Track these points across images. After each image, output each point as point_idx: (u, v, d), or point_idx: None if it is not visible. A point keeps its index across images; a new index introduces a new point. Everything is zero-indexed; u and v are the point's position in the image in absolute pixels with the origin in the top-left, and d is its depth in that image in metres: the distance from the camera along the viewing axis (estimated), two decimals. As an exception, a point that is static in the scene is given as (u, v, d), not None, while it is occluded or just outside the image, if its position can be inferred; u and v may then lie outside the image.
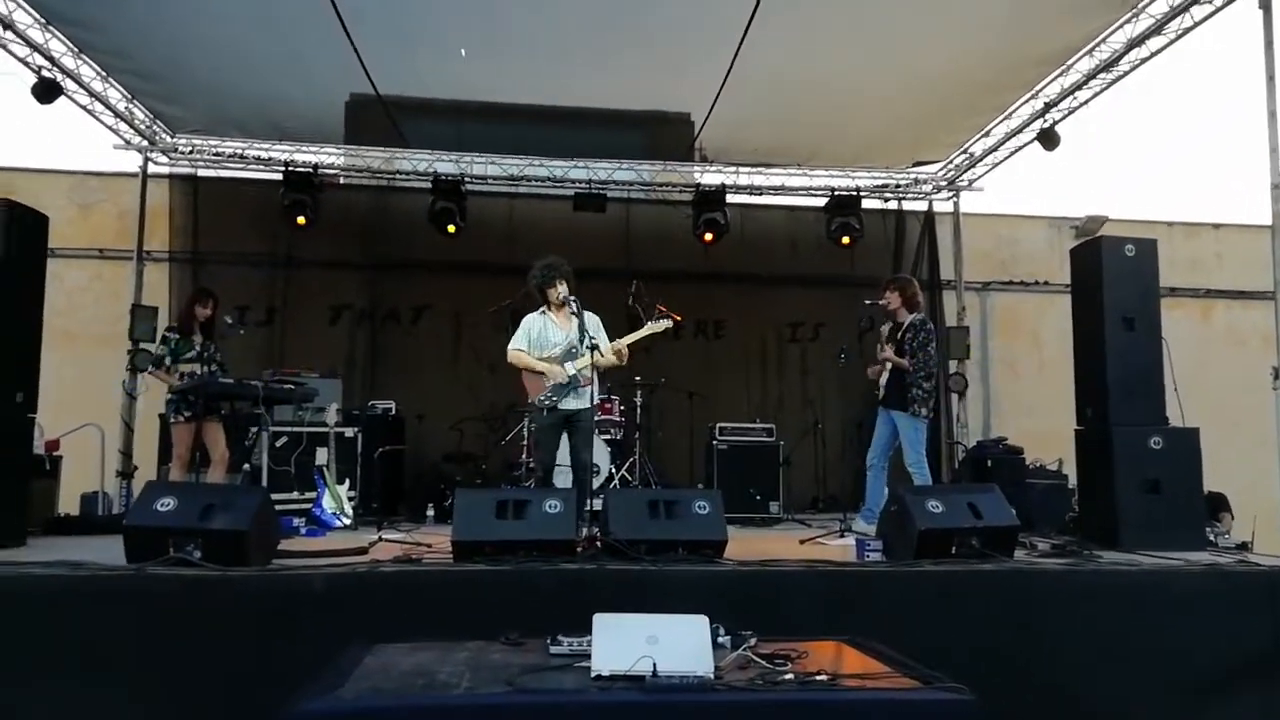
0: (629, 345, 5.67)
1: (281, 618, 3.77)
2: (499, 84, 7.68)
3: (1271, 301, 5.70)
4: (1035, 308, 10.51)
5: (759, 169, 9.39)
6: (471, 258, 9.16)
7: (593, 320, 5.66)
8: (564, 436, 5.72)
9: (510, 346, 5.75)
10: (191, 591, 3.76)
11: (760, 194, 9.67)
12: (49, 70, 7.25)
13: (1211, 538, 5.63)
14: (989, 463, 7.43)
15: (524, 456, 7.39)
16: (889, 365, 6.16)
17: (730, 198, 9.29)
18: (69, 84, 7.51)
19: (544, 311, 5.77)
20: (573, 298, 5.57)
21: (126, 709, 3.60)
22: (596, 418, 6.54)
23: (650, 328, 5.76)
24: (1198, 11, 6.44)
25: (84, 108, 7.89)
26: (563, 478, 6.01)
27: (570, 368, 5.56)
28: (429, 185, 9.00)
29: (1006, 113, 8.30)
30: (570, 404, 5.60)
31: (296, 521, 5.98)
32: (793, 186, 9.63)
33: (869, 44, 6.94)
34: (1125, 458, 5.43)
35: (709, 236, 9.12)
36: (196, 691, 3.63)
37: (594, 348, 5.41)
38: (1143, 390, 5.56)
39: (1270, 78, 5.63)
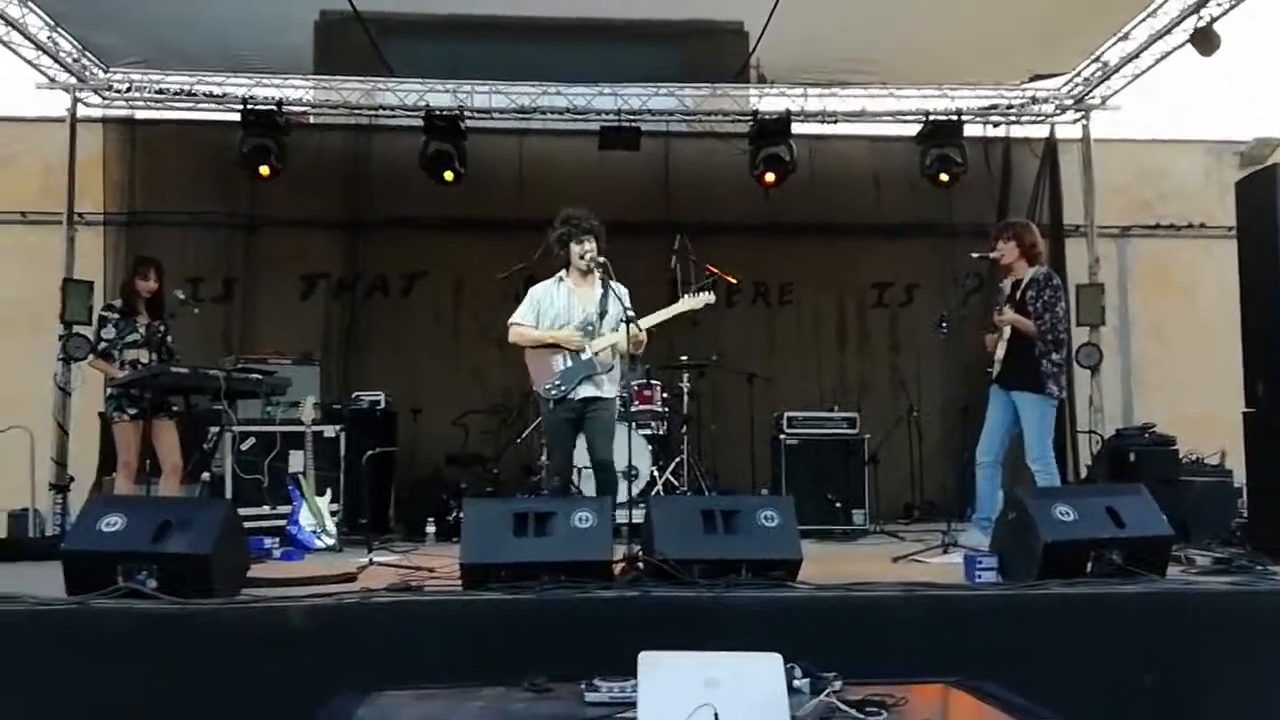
0: (658, 325, 5.61)
1: (254, 660, 3.83)
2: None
3: None
4: (1189, 257, 10.31)
5: (832, 90, 9.28)
6: (474, 212, 9.21)
7: (620, 292, 5.63)
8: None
9: (511, 321, 5.74)
10: (145, 629, 3.84)
11: (834, 121, 9.56)
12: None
13: None
14: (1132, 456, 7.42)
15: (545, 458, 7.43)
16: (1007, 332, 6.09)
17: (796, 127, 9.15)
18: (-25, 10, 7.61)
19: (561, 278, 5.77)
20: (602, 259, 5.54)
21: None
22: (635, 407, 6.55)
23: (685, 303, 5.71)
24: None
25: (-3, 38, 8.00)
26: (588, 486, 6.03)
27: (588, 347, 5.56)
28: (420, 123, 8.99)
29: (1149, 9, 8.11)
30: (586, 391, 5.58)
31: (269, 542, 6.07)
32: (875, 111, 9.53)
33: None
34: (1309, 447, 5.34)
35: (770, 177, 9.02)
36: (155, 750, 3.72)
37: (630, 320, 5.36)
38: (1331, 361, 5.46)
39: None
